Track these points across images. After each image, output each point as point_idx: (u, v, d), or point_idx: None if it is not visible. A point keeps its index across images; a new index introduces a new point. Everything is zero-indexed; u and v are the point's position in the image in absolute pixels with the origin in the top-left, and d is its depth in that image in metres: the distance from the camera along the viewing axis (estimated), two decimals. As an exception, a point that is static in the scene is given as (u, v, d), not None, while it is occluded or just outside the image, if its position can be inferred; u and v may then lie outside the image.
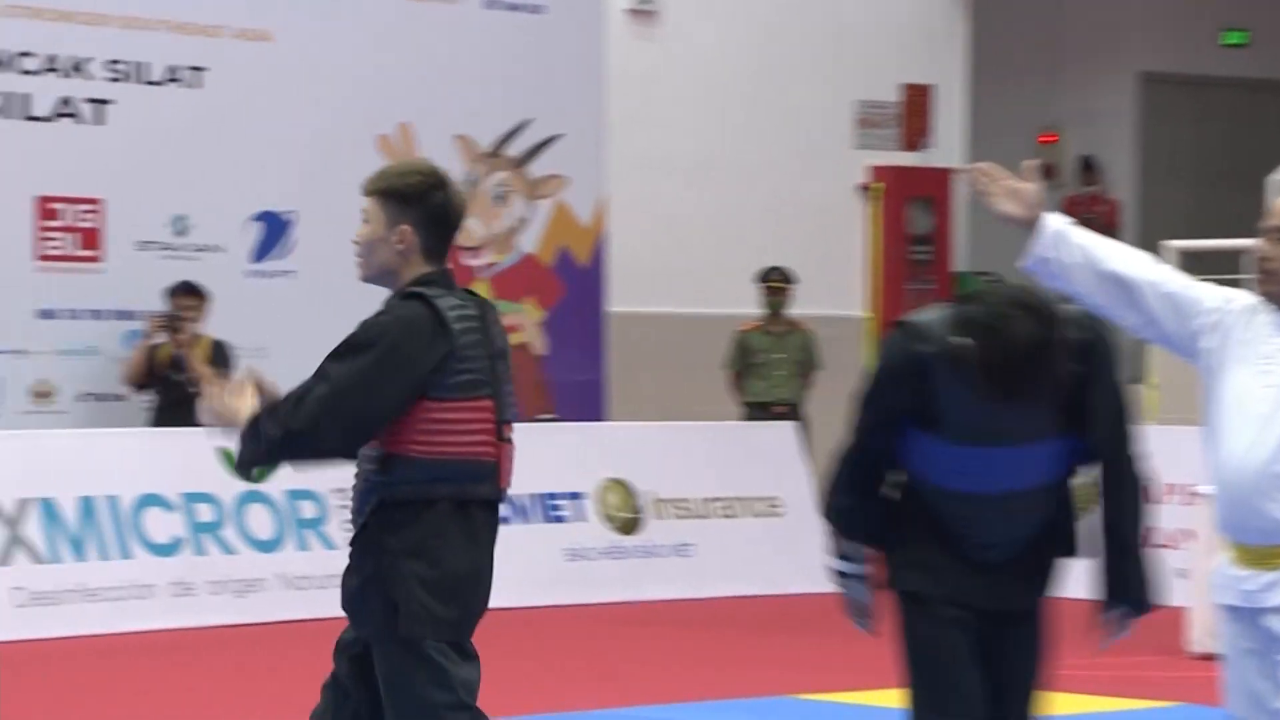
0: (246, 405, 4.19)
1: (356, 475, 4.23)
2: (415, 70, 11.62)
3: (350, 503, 4.27)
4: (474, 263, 11.98)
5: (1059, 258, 4.14)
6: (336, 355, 4.14)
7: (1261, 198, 13.73)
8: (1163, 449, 11.26)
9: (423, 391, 4.13)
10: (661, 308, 13.68)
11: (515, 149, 12.10)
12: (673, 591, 10.58)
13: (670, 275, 13.79)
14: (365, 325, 4.17)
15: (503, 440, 4.24)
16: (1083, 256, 4.11)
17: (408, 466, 4.14)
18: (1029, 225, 4.19)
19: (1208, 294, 4.09)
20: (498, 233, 12.09)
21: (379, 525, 4.17)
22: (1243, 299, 4.12)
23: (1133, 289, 4.10)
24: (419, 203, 4.23)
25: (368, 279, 4.29)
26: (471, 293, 4.30)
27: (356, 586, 4.19)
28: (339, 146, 11.16)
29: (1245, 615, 4.08)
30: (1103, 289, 4.10)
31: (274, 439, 4.11)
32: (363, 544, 4.20)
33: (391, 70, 11.53)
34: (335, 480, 9.68)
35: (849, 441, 4.26)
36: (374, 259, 4.25)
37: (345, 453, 4.21)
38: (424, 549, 4.14)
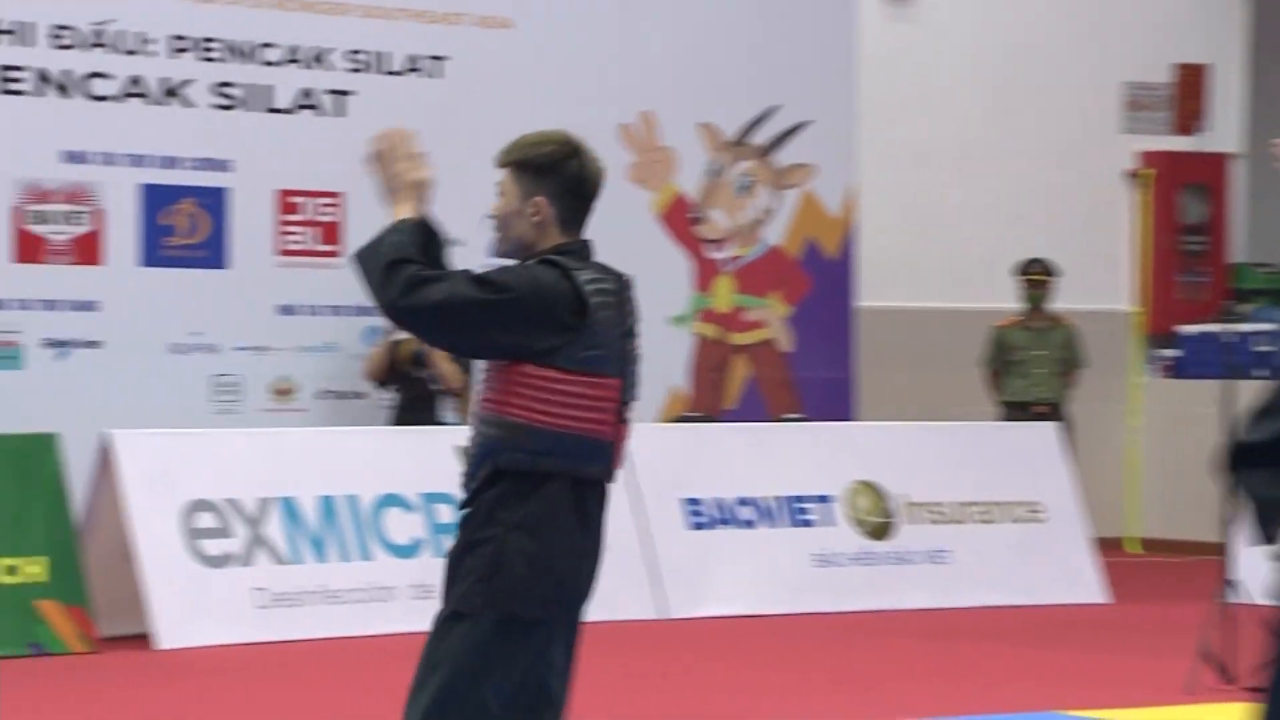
0: (412, 195, 4.26)
1: (471, 437, 4.27)
2: (658, 56, 11.73)
3: (465, 466, 4.29)
4: (717, 256, 12.04)
5: None
6: (474, 276, 4.19)
7: None
8: None
9: (536, 358, 4.15)
10: (914, 302, 13.62)
11: (761, 137, 12.14)
12: (926, 600, 10.54)
13: (924, 268, 13.71)
14: (505, 269, 4.23)
15: (622, 421, 4.28)
16: None
17: (525, 434, 4.17)
18: None
19: None
20: (742, 224, 12.13)
21: (493, 499, 4.19)
22: None
23: None
24: (553, 173, 4.25)
25: (504, 254, 4.30)
26: (608, 267, 4.31)
27: (456, 554, 4.23)
28: (580, 136, 11.31)
29: None
30: None
31: (387, 299, 4.16)
32: (472, 515, 4.23)
33: (634, 56, 11.65)
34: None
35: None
36: (510, 233, 4.28)
37: (432, 346, 4.42)
38: (534, 524, 4.16)
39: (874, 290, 12.89)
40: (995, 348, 12.49)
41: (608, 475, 4.28)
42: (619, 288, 4.25)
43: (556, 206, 4.26)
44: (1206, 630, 8.45)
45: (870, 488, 10.82)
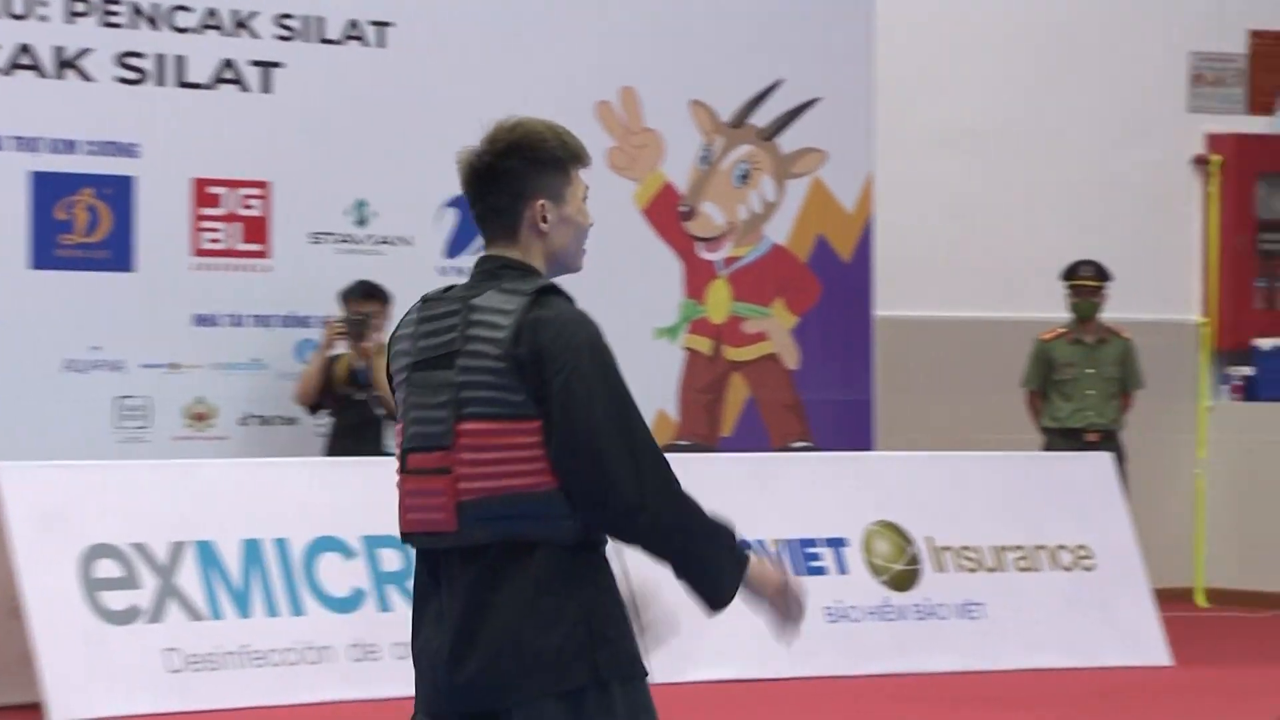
0: None
1: None
2: (642, 23, 11.74)
3: None
4: (711, 257, 12.05)
5: None
6: None
7: None
8: None
9: None
10: (943, 311, 13.64)
11: (763, 118, 12.16)
12: (956, 661, 10.55)
13: (955, 272, 13.73)
14: None
15: (405, 472, 4.28)
16: None
17: None
18: None
19: None
20: (740, 220, 12.16)
21: None
22: None
23: None
24: None
25: None
26: (462, 284, 4.35)
27: None
28: (551, 115, 11.32)
29: None
30: None
31: None
32: None
33: (613, 24, 11.66)
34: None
35: None
36: None
37: None
38: None
39: (895, 298, 12.91)
40: (1039, 365, 12.51)
41: (413, 541, 4.30)
42: (418, 314, 4.33)
43: None
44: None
45: (891, 529, 10.84)
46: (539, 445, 4.13)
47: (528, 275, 4.24)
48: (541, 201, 4.28)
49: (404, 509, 4.26)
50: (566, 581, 4.16)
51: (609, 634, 4.22)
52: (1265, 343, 13.88)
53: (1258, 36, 14.47)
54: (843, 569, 10.67)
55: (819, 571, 10.62)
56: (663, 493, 4.16)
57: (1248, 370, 14.00)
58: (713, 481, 10.70)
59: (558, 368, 4.11)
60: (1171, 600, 12.48)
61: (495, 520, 4.13)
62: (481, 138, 4.35)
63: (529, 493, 4.13)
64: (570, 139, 4.34)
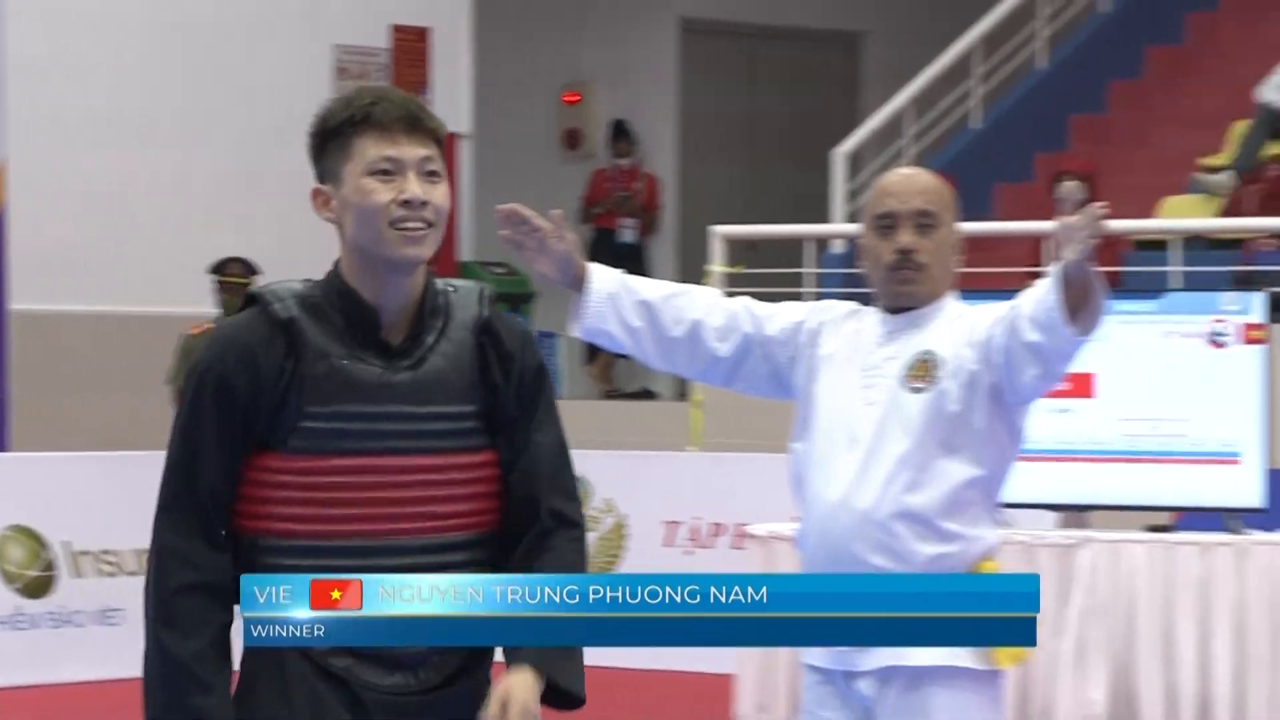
0: None
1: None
2: None
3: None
4: None
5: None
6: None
7: (824, 174, 14.44)
8: (709, 479, 11.74)
9: None
10: (82, 305, 13.51)
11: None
12: (96, 671, 10.48)
13: (95, 265, 13.63)
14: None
15: None
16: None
17: None
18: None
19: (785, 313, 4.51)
20: None
21: None
22: (835, 304, 4.53)
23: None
24: None
25: (423, 259, 3.78)
26: None
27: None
28: None
29: (833, 679, 4.39)
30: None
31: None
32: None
33: None
34: None
35: None
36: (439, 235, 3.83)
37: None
38: None
39: (30, 290, 12.70)
40: (185, 361, 12.50)
41: None
42: None
43: None
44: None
45: (25, 534, 10.68)
46: None
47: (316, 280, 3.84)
48: (316, 187, 3.81)
49: None
50: None
51: None
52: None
53: (400, 32, 14.85)
54: None
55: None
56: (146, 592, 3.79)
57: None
58: None
59: None
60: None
61: None
62: None
63: None
64: (358, 98, 3.72)
